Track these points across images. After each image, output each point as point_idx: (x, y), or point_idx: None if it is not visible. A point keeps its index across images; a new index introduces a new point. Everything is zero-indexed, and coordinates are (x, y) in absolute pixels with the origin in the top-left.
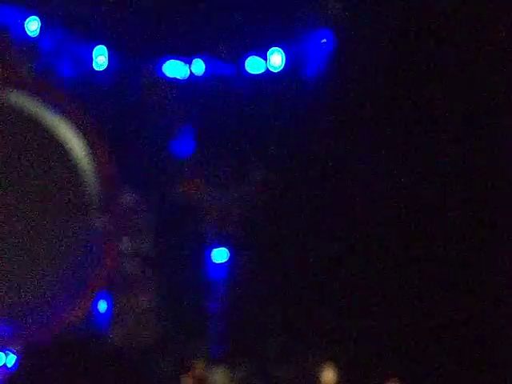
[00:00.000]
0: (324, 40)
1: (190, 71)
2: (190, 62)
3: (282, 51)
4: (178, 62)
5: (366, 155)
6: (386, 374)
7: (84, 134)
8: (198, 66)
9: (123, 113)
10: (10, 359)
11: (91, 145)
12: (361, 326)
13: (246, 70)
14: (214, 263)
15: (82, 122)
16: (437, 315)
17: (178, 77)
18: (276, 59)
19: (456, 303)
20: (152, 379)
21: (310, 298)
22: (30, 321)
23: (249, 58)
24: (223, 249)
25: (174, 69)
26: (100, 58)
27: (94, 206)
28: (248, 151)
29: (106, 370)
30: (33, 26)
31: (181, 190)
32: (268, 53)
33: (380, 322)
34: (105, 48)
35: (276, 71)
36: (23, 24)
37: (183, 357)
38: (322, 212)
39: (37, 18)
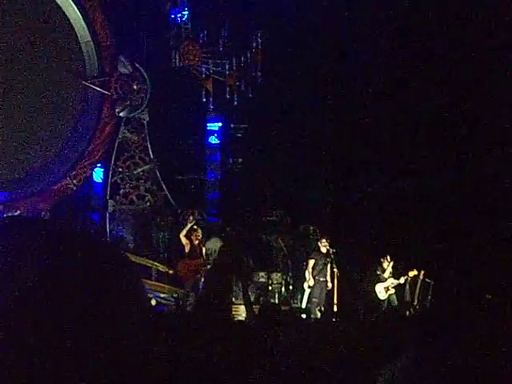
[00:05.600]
0: None
1: None
2: None
3: None
4: None
5: None
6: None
7: (82, 4)
8: None
9: None
10: None
11: (89, 13)
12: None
13: None
14: (209, 130)
15: None
16: None
17: None
18: None
19: None
20: (151, 244)
21: (304, 167)
22: (34, 185)
23: None
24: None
25: None
26: None
27: (93, 73)
28: (248, 19)
29: (102, 231)
30: None
31: (179, 54)
32: None
33: None
34: None
35: None
36: None
37: (182, 225)
38: (321, 83)
39: None
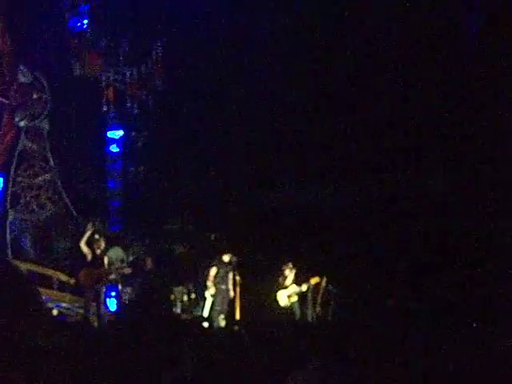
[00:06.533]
0: None
1: None
2: None
3: None
4: None
5: None
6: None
7: None
8: None
9: None
10: None
11: None
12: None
13: None
14: (110, 138)
15: None
16: None
17: None
18: None
19: None
20: (52, 254)
21: (207, 176)
22: None
23: None
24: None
25: None
26: None
27: None
28: (148, 28)
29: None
30: None
31: (79, 63)
32: None
33: None
34: None
35: None
36: None
37: (82, 234)
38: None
39: None
